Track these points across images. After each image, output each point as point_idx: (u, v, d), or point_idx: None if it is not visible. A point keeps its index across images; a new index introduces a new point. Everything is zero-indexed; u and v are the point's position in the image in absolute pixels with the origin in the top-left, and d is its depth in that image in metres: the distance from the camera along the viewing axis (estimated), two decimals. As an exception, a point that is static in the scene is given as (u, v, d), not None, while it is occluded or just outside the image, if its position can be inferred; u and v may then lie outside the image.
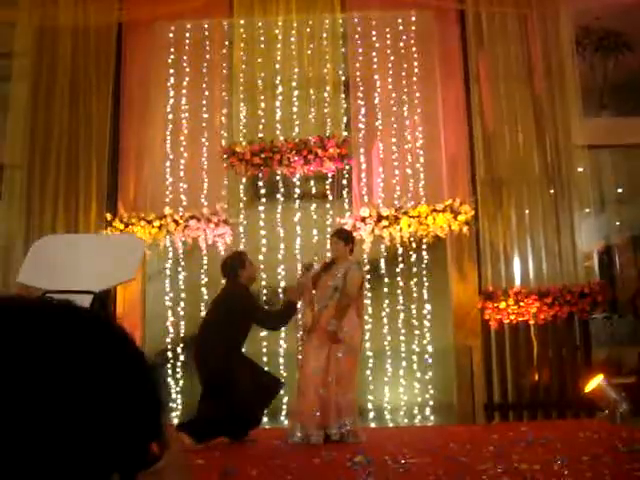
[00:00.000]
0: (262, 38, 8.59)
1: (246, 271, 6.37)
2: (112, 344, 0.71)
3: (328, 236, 7.87)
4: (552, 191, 8.03)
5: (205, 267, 8.21)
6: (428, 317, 8.08)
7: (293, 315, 6.53)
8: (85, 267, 4.42)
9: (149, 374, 0.73)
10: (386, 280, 8.11)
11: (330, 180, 8.33)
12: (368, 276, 8.07)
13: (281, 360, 7.93)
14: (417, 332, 8.10)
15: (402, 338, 8.09)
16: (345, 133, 8.38)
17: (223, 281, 6.57)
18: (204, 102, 8.49)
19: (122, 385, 0.68)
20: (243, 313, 6.16)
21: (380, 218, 7.90)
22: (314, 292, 6.53)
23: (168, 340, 8.07)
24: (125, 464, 0.68)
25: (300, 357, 6.75)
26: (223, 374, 6.03)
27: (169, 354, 8.05)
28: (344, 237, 6.60)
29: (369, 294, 8.04)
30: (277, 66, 8.51)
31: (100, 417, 0.65)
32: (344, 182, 8.34)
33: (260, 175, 8.30)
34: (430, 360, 7.97)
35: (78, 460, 0.64)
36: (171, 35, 8.66)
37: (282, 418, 7.68)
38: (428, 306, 8.08)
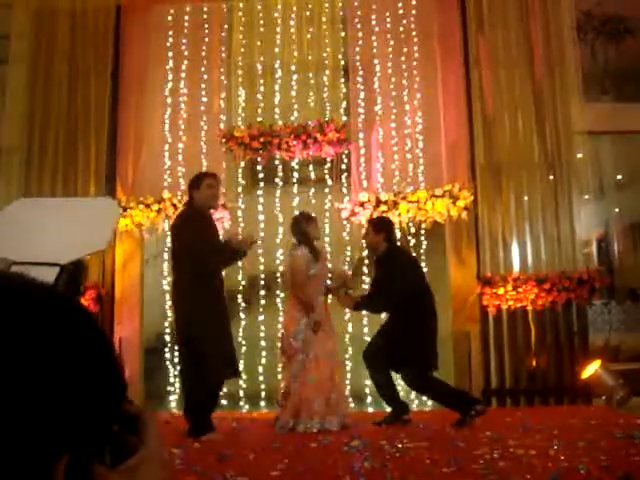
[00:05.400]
0: (261, 22, 8.53)
1: (199, 193, 5.83)
2: (66, 320, 0.64)
3: (326, 221, 7.88)
4: (551, 177, 7.99)
5: (203, 251, 8.19)
6: (426, 302, 8.06)
7: (234, 259, 6.08)
8: (53, 235, 3.84)
9: (105, 353, 0.66)
10: (384, 265, 8.08)
11: (329, 165, 8.31)
12: (367, 261, 8.06)
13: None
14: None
15: (400, 323, 8.07)
16: (344, 118, 8.34)
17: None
18: (203, 86, 8.44)
19: (69, 359, 0.61)
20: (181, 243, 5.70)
21: (379, 203, 7.87)
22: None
23: (166, 324, 8.07)
24: (76, 443, 0.61)
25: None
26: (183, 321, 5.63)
27: (167, 338, 8.05)
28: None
29: (367, 279, 8.03)
30: (276, 50, 8.46)
31: (43, 391, 0.59)
32: (343, 167, 8.31)
33: (259, 159, 8.29)
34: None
35: (20, 429, 0.57)
36: (170, 18, 8.59)
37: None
38: (426, 291, 8.07)
